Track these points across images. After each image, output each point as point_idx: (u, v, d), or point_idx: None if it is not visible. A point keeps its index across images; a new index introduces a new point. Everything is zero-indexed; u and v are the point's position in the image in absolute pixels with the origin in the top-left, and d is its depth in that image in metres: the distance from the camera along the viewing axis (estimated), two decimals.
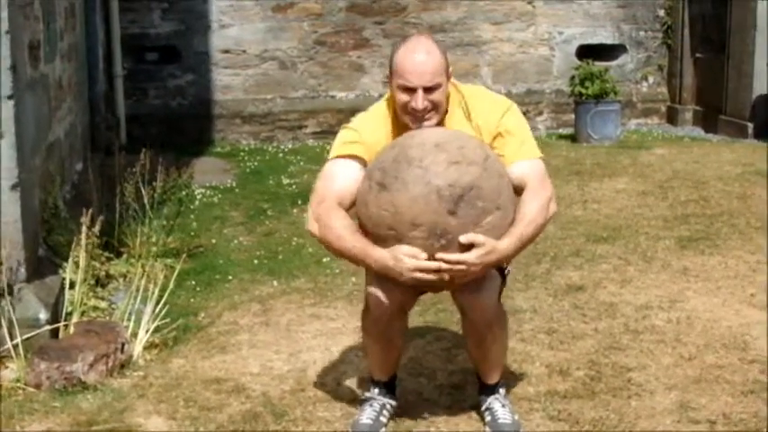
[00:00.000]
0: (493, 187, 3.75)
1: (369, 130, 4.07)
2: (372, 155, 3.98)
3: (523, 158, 4.00)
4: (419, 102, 3.89)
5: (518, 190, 3.94)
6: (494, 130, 4.02)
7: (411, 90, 3.90)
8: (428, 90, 3.89)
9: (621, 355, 4.99)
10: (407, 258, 3.68)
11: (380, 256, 3.75)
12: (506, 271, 4.18)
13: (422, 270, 3.69)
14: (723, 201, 8.38)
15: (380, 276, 3.88)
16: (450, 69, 4.03)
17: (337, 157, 4.04)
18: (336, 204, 3.91)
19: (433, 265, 3.68)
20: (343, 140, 4.08)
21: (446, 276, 3.72)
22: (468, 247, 3.69)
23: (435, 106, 3.95)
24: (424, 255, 3.67)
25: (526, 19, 13.13)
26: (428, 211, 3.66)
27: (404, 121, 4.00)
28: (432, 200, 3.66)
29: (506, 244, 3.78)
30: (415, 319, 5.35)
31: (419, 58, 3.91)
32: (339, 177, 3.98)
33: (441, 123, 4.01)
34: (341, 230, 3.86)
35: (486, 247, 3.70)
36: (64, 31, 7.74)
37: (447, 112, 4.05)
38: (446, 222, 3.66)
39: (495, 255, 3.75)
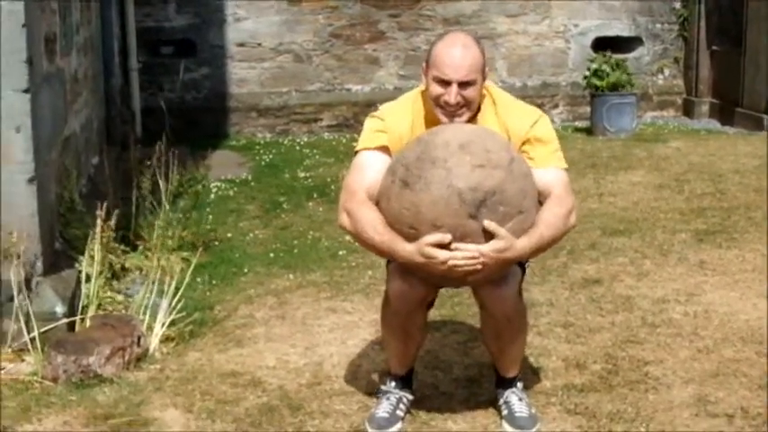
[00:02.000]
0: (517, 190, 3.74)
1: (395, 119, 4.08)
2: (395, 143, 4.00)
3: (551, 166, 4.00)
4: (452, 96, 3.89)
5: (541, 196, 3.93)
6: (523, 135, 4.02)
7: (446, 83, 3.90)
8: (462, 85, 3.89)
9: (638, 349, 4.98)
10: (436, 254, 3.68)
11: (408, 251, 3.75)
12: (526, 264, 4.17)
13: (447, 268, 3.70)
14: (740, 194, 8.34)
15: (402, 270, 3.90)
16: (487, 69, 4.03)
17: (365, 149, 4.06)
18: (366, 198, 3.92)
19: (459, 256, 3.68)
20: (371, 130, 4.09)
21: (466, 269, 3.70)
22: (489, 238, 3.68)
23: (468, 103, 3.94)
24: (449, 236, 3.66)
25: (541, 11, 13.09)
26: (449, 214, 3.65)
27: (435, 113, 4.00)
28: (453, 203, 3.65)
29: (524, 243, 3.77)
30: (432, 312, 5.33)
31: (457, 52, 3.91)
32: (368, 171, 3.98)
33: (471, 121, 4.00)
34: (371, 224, 3.85)
35: (504, 242, 3.69)
36: (80, 25, 7.76)
37: (479, 110, 4.04)
38: (467, 226, 3.66)
39: (511, 252, 3.73)
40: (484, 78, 3.99)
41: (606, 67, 11.94)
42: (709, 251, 6.71)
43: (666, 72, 13.87)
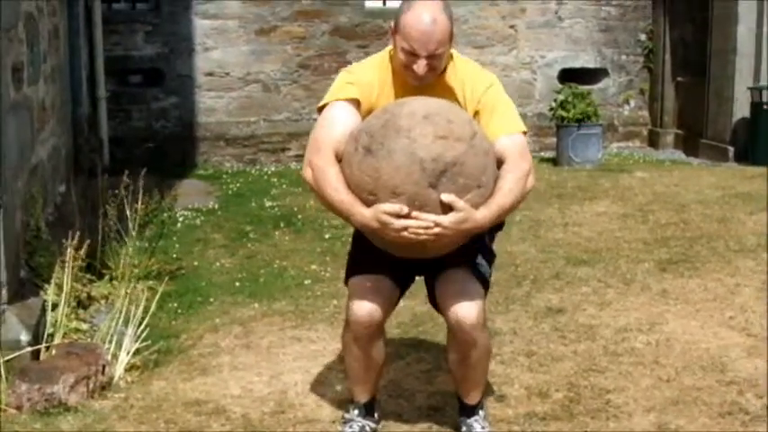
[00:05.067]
0: (477, 165, 3.77)
1: (365, 73, 4.08)
2: (366, 96, 4.02)
3: (505, 133, 3.98)
4: (421, 68, 3.90)
5: (499, 164, 3.93)
6: (479, 96, 4.03)
7: (414, 55, 3.89)
8: (431, 57, 3.90)
9: (600, 378, 5.02)
10: (392, 222, 3.68)
11: (364, 216, 3.75)
12: (489, 275, 4.18)
13: (404, 233, 3.70)
14: (703, 224, 8.43)
15: (362, 294, 3.97)
16: (454, 40, 4.03)
17: (336, 100, 4.03)
18: (333, 154, 3.90)
19: (417, 224, 3.68)
20: (341, 81, 4.08)
21: (421, 237, 3.71)
22: (448, 209, 3.70)
23: (435, 69, 3.96)
24: (407, 209, 3.67)
25: (508, 43, 13.22)
26: (409, 182, 3.67)
27: (403, 74, 4.01)
28: (414, 171, 3.67)
29: (483, 214, 3.78)
30: (396, 341, 5.38)
31: (426, 26, 3.86)
32: (337, 125, 3.94)
33: (436, 80, 4.01)
34: (333, 184, 3.85)
35: (463, 213, 3.70)
36: (48, 54, 7.76)
37: (444, 70, 4.06)
38: (426, 195, 3.67)
39: (471, 224, 3.73)
40: (451, 43, 3.97)
41: (572, 99, 12.05)
42: (671, 280, 6.78)
43: (632, 103, 14.02)
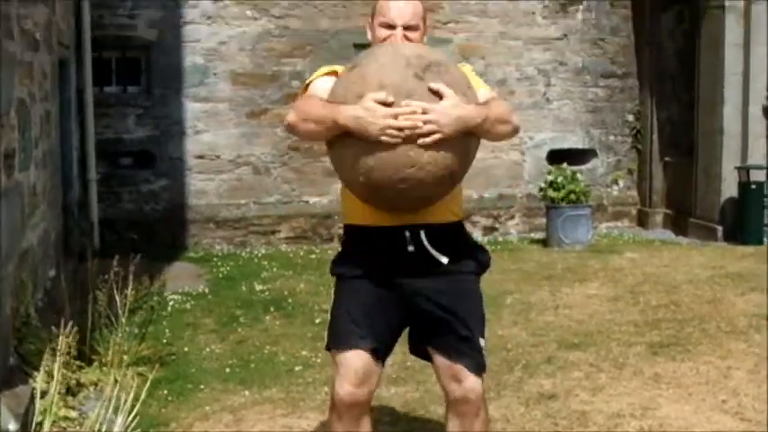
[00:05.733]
0: (460, 75, 3.77)
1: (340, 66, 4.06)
2: None
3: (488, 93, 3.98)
4: (399, 37, 3.95)
5: None
6: None
7: (391, 27, 3.98)
8: (407, 29, 3.97)
9: None
10: (379, 108, 3.57)
11: (351, 108, 3.63)
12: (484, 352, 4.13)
13: (391, 127, 3.57)
14: (694, 305, 8.43)
15: (343, 368, 3.90)
16: (429, 25, 4.11)
17: (316, 78, 4.04)
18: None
19: (406, 110, 3.57)
20: (318, 72, 4.09)
21: (414, 129, 3.56)
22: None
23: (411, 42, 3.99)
24: (392, 98, 3.58)
25: None
26: (395, 74, 3.63)
27: None
28: (400, 64, 3.65)
29: (473, 107, 3.70)
30: (387, 429, 5.35)
31: (401, 2, 4.02)
32: (319, 91, 3.92)
33: None
34: (314, 103, 3.80)
35: (453, 99, 3.63)
36: (39, 139, 7.80)
37: None
38: (413, 84, 3.61)
39: (461, 110, 3.63)
40: (425, 29, 4.07)
41: (562, 180, 12.10)
42: (663, 364, 6.76)
43: (621, 183, 14.11)
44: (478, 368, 3.95)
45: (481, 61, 13.18)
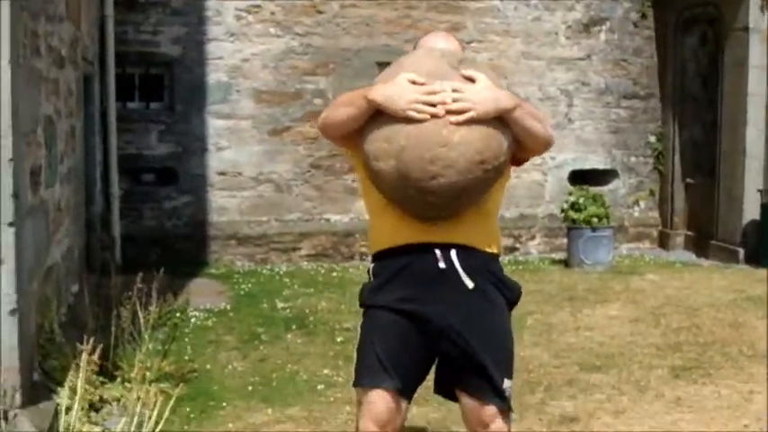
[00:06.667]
0: (491, 74, 3.78)
1: None
2: None
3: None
4: None
5: None
6: None
7: None
8: None
9: None
10: (409, 84, 3.62)
11: (382, 86, 3.68)
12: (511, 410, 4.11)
13: (419, 101, 3.59)
14: (715, 328, 8.42)
15: (369, 408, 3.84)
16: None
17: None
18: None
19: (436, 88, 3.60)
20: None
21: (442, 110, 3.58)
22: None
23: None
24: (423, 78, 3.63)
25: None
26: (430, 62, 3.69)
27: None
28: (435, 55, 3.74)
29: (506, 92, 3.73)
30: None
31: (440, 42, 4.01)
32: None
33: None
34: (346, 95, 3.84)
35: (487, 82, 3.66)
36: (64, 155, 7.85)
37: None
38: (446, 71, 3.67)
39: (494, 92, 3.66)
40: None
41: (583, 201, 12.09)
42: (685, 387, 6.75)
43: (642, 204, 14.09)
44: (504, 408, 3.92)
45: (504, 81, 13.19)
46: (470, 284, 3.81)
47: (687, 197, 13.75)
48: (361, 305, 4.01)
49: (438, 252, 3.81)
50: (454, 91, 3.60)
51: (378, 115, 3.66)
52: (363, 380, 3.92)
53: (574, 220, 12.08)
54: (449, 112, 3.57)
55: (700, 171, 13.44)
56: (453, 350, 3.83)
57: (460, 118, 3.57)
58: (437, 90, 3.60)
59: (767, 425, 5.91)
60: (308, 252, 12.71)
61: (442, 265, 3.80)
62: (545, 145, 3.93)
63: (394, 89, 3.63)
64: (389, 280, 3.88)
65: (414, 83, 3.62)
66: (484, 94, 3.63)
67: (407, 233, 3.83)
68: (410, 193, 3.66)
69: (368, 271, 4.03)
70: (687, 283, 10.65)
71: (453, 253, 3.81)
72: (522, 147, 3.84)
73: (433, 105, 3.59)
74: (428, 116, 3.57)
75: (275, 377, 7.17)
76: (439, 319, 3.80)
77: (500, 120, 3.65)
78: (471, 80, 3.65)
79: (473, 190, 3.68)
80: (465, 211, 3.79)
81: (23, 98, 5.49)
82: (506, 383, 3.91)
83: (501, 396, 3.88)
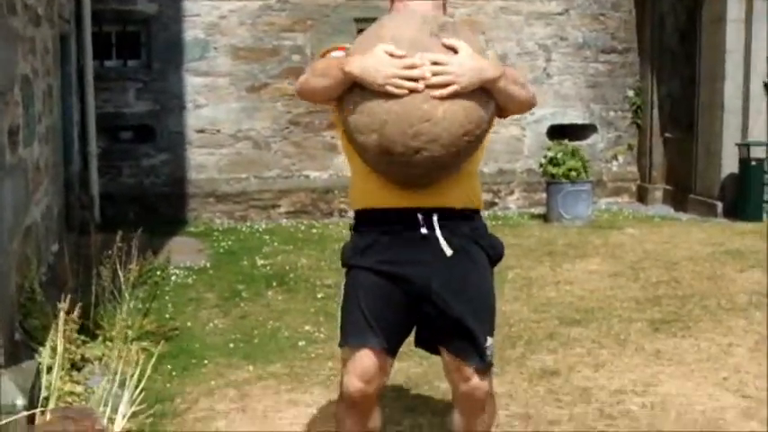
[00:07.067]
0: (473, 40, 3.68)
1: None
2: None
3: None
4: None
5: None
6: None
7: None
8: None
9: None
10: (387, 57, 3.48)
11: (359, 57, 3.54)
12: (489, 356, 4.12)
13: (397, 76, 3.47)
14: (694, 282, 8.47)
15: (352, 365, 3.84)
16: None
17: (325, 52, 3.91)
18: None
19: (416, 61, 3.47)
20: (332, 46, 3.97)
21: (422, 84, 3.46)
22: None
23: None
24: (403, 52, 3.50)
25: None
26: (410, 30, 3.54)
27: None
28: (415, 21, 3.57)
29: (488, 61, 3.63)
30: (390, 406, 5.37)
31: None
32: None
33: None
34: (323, 60, 3.75)
35: (469, 51, 3.54)
36: (42, 114, 7.80)
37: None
38: (427, 41, 3.54)
39: (478, 61, 3.55)
40: (445, 9, 3.88)
41: (562, 155, 12.11)
42: (664, 340, 6.79)
43: (620, 159, 14.12)
44: (485, 367, 3.90)
45: (482, 36, 13.17)
46: (449, 252, 3.77)
47: (665, 151, 13.79)
48: (343, 265, 3.98)
49: (420, 217, 3.77)
50: (435, 64, 3.49)
51: (358, 84, 3.56)
52: (349, 338, 3.90)
53: (553, 175, 12.10)
54: (430, 87, 3.47)
55: (678, 125, 13.46)
56: (434, 311, 3.80)
57: (444, 92, 3.47)
58: (417, 64, 3.48)
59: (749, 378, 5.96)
60: (287, 209, 12.71)
61: (423, 230, 3.77)
62: (528, 108, 3.89)
63: (371, 61, 3.51)
64: (371, 245, 3.84)
65: (392, 55, 3.51)
66: (467, 65, 3.51)
67: (389, 198, 3.78)
68: (393, 167, 3.61)
69: (350, 227, 4.01)
70: (666, 237, 10.71)
71: (435, 218, 3.77)
72: (505, 110, 3.80)
73: (414, 80, 3.49)
74: (406, 92, 3.48)
75: (256, 334, 7.18)
76: (421, 281, 3.76)
77: (483, 88, 3.57)
78: (453, 50, 3.54)
79: (456, 160, 3.63)
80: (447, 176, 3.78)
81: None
82: (488, 341, 3.89)
83: (482, 355, 3.87)
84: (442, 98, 3.47)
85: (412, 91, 3.47)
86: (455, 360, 3.88)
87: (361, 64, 3.52)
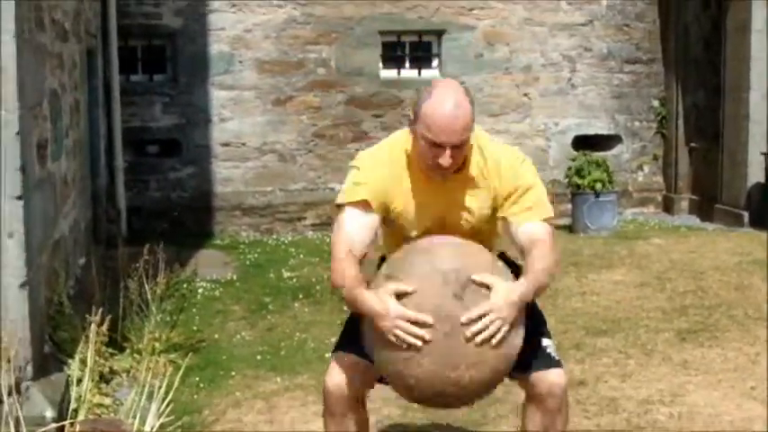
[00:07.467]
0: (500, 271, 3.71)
1: (374, 169, 3.88)
2: (377, 195, 3.83)
3: (533, 220, 3.88)
4: (446, 160, 3.67)
5: (525, 249, 3.81)
6: (509, 191, 3.89)
7: (439, 146, 3.66)
8: (455, 147, 3.68)
9: None
10: (393, 307, 3.55)
11: (371, 304, 3.62)
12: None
13: (405, 330, 3.52)
14: (721, 291, 8.44)
15: (335, 365, 3.87)
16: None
17: (347, 203, 3.85)
18: (352, 256, 3.76)
19: (426, 320, 3.51)
20: (349, 183, 3.91)
21: (420, 344, 3.52)
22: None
23: (458, 159, 3.75)
24: (410, 288, 3.56)
25: (522, 111, 13.32)
26: (432, 295, 3.54)
27: (421, 165, 3.81)
28: (436, 283, 3.55)
29: (523, 286, 3.64)
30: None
31: (450, 113, 3.66)
32: (350, 232, 3.80)
33: (459, 172, 3.83)
34: (348, 275, 3.73)
35: (504, 285, 3.58)
36: (69, 128, 7.85)
37: (466, 159, 3.85)
38: (451, 306, 3.53)
39: (516, 295, 3.58)
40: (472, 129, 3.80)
41: (587, 166, 12.09)
42: (691, 350, 6.78)
43: (646, 169, 14.07)
44: (555, 365, 3.86)
45: (506, 48, 13.21)
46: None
47: (691, 161, 13.74)
48: None
49: None
50: (481, 317, 3.51)
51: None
52: (340, 347, 3.97)
53: (578, 186, 12.08)
54: (485, 340, 3.52)
55: (703, 135, 13.42)
56: None
57: (499, 337, 3.53)
58: (421, 321, 3.51)
59: None
60: (312, 221, 12.74)
61: None
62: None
63: (380, 307, 3.57)
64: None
65: (399, 296, 3.57)
66: (506, 305, 3.55)
67: None
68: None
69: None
70: (692, 246, 10.66)
71: None
72: None
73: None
74: (405, 345, 3.53)
75: (283, 346, 7.21)
76: None
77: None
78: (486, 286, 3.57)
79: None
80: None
81: (29, 72, 5.50)
82: (545, 341, 3.91)
83: (546, 353, 3.87)
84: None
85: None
86: (523, 374, 3.84)
87: (372, 305, 3.60)
